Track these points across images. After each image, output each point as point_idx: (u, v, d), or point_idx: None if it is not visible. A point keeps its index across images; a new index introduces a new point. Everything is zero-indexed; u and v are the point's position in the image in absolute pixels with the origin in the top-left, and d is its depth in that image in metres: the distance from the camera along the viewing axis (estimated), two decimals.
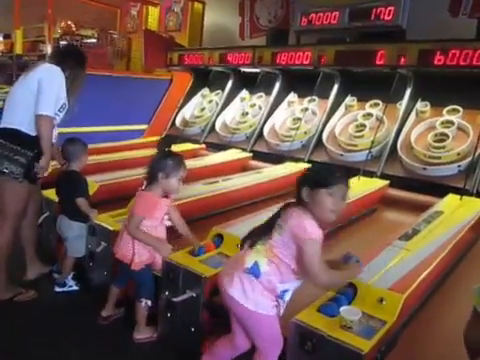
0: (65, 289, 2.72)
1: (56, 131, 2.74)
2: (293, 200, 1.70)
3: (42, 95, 2.50)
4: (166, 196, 2.25)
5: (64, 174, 2.79)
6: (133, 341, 2.23)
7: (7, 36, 10.24)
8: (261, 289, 1.63)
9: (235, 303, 1.65)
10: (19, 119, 2.54)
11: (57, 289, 2.72)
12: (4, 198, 2.57)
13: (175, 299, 2.04)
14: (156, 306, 2.23)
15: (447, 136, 3.95)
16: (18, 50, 5.96)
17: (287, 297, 1.69)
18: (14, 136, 2.52)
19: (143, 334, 2.25)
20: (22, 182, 2.52)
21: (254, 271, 1.64)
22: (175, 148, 5.39)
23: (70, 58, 2.74)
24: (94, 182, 3.38)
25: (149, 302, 2.21)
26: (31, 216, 2.84)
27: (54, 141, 2.73)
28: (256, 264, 1.64)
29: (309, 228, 1.58)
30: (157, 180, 2.18)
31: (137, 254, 2.19)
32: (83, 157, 2.82)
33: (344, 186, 1.64)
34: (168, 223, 2.32)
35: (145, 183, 2.26)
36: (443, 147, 3.90)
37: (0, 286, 2.59)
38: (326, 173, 1.69)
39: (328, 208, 1.61)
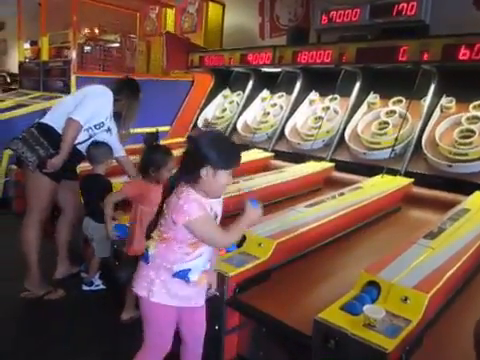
0: (92, 288, 2.81)
1: (85, 143, 2.88)
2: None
3: (81, 104, 2.74)
4: (158, 182, 2.38)
5: (89, 177, 2.88)
6: None
7: (34, 43, 10.57)
8: (152, 274, 1.63)
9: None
10: (56, 118, 2.75)
11: (85, 288, 2.81)
12: (28, 190, 2.74)
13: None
14: None
15: (473, 132, 3.86)
16: (44, 56, 6.13)
17: (193, 277, 1.64)
18: (46, 131, 2.71)
19: (130, 313, 2.40)
20: (34, 172, 2.65)
21: (145, 257, 1.66)
22: None
23: (126, 87, 3.05)
24: (119, 183, 3.46)
25: None
26: (68, 216, 2.99)
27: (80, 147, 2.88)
28: (146, 250, 1.67)
29: (190, 209, 1.54)
30: (149, 174, 2.34)
31: (136, 241, 2.29)
32: (108, 161, 2.90)
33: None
34: None
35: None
36: (469, 143, 3.81)
37: (35, 281, 2.70)
38: (228, 155, 1.62)
39: (224, 185, 1.64)
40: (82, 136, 2.80)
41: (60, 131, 2.71)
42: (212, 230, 1.60)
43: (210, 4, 6.95)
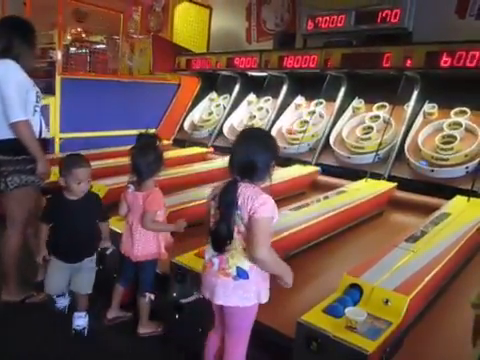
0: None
1: (44, 123, 2.67)
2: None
3: (6, 100, 2.40)
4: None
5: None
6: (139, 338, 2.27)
7: None
8: (255, 283, 1.65)
9: (233, 310, 1.66)
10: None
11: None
12: (11, 206, 2.58)
13: (183, 300, 2.08)
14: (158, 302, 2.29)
15: (455, 138, 3.94)
16: None
17: None
18: (6, 146, 2.45)
19: (147, 328, 2.32)
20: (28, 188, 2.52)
21: (242, 275, 1.63)
22: (184, 151, 5.46)
23: (15, 36, 2.53)
24: (104, 186, 3.44)
25: (152, 296, 2.28)
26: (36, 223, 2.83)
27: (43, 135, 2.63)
28: (239, 268, 1.62)
29: (267, 206, 1.58)
30: (143, 177, 2.26)
31: (141, 246, 2.27)
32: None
33: None
34: None
35: (134, 181, 2.31)
36: (451, 149, 3.89)
37: (11, 289, 2.64)
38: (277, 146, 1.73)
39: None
40: (37, 119, 2.56)
41: (10, 136, 2.44)
42: (268, 236, 1.61)
43: (182, 3, 6.85)
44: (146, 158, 2.23)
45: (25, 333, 2.34)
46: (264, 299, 1.67)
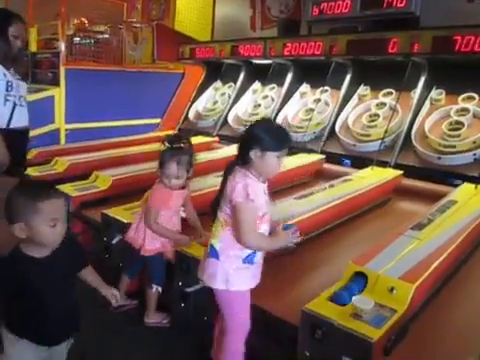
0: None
1: (25, 110, 2.63)
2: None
3: None
4: (183, 187, 2.31)
5: None
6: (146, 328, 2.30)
7: None
8: (227, 265, 1.69)
9: (216, 292, 1.74)
10: None
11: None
12: None
13: (188, 289, 2.09)
14: (167, 294, 2.30)
15: (462, 124, 3.89)
16: (33, 48, 6.04)
17: (257, 258, 1.74)
18: None
19: (153, 319, 2.35)
20: None
21: (214, 254, 1.72)
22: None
23: None
24: (108, 176, 3.45)
25: (159, 288, 2.31)
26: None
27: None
28: (212, 246, 1.73)
29: (241, 192, 1.62)
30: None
31: (148, 240, 2.27)
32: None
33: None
34: (183, 214, 2.39)
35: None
36: (458, 135, 3.84)
37: None
38: (275, 137, 1.70)
39: (274, 166, 1.71)
40: (6, 109, 2.49)
41: None
42: (249, 221, 1.64)
43: None
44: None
45: None
46: (233, 287, 1.69)
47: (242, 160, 1.69)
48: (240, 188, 1.62)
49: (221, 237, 1.71)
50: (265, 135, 1.66)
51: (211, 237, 1.77)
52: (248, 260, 1.70)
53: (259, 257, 1.75)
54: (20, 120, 2.63)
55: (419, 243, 2.22)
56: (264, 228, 1.73)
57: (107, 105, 5.58)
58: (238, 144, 1.72)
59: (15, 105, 2.58)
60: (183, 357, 2.16)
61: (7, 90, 2.53)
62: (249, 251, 1.69)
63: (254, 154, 1.65)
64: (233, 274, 1.68)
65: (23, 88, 2.71)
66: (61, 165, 3.96)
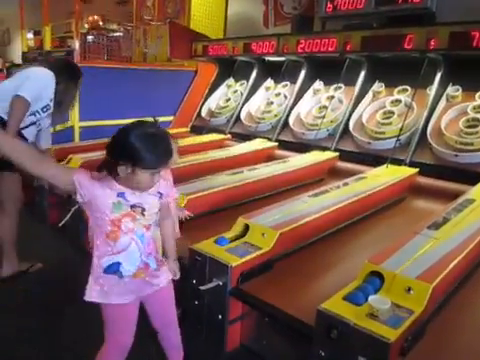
0: None
1: (35, 131, 2.83)
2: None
3: (26, 82, 2.58)
4: None
5: None
6: None
7: (37, 33, 10.54)
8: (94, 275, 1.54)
9: None
10: (2, 108, 2.57)
11: None
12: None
13: (202, 287, 2.09)
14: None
15: None
16: (47, 46, 6.11)
17: (127, 272, 1.51)
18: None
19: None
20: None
21: None
22: (202, 138, 5.44)
23: (65, 71, 2.91)
24: None
25: None
26: (9, 209, 2.78)
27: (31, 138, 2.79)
28: None
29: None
30: None
31: None
32: None
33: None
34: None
35: None
36: (475, 133, 3.76)
37: (14, 261, 2.78)
38: (153, 151, 1.43)
39: (146, 183, 1.47)
40: (28, 120, 2.67)
41: (5, 116, 2.55)
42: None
43: None
44: None
45: None
46: (89, 298, 1.53)
47: (108, 171, 1.45)
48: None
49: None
50: (140, 148, 1.39)
51: None
52: (111, 270, 1.51)
53: (131, 270, 1.53)
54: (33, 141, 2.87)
55: (436, 242, 2.18)
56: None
57: (120, 103, 5.61)
58: (106, 150, 1.45)
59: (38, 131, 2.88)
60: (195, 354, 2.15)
61: (37, 113, 2.73)
62: (114, 259, 1.50)
63: (123, 171, 1.41)
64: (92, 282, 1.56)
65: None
66: (75, 162, 3.99)
